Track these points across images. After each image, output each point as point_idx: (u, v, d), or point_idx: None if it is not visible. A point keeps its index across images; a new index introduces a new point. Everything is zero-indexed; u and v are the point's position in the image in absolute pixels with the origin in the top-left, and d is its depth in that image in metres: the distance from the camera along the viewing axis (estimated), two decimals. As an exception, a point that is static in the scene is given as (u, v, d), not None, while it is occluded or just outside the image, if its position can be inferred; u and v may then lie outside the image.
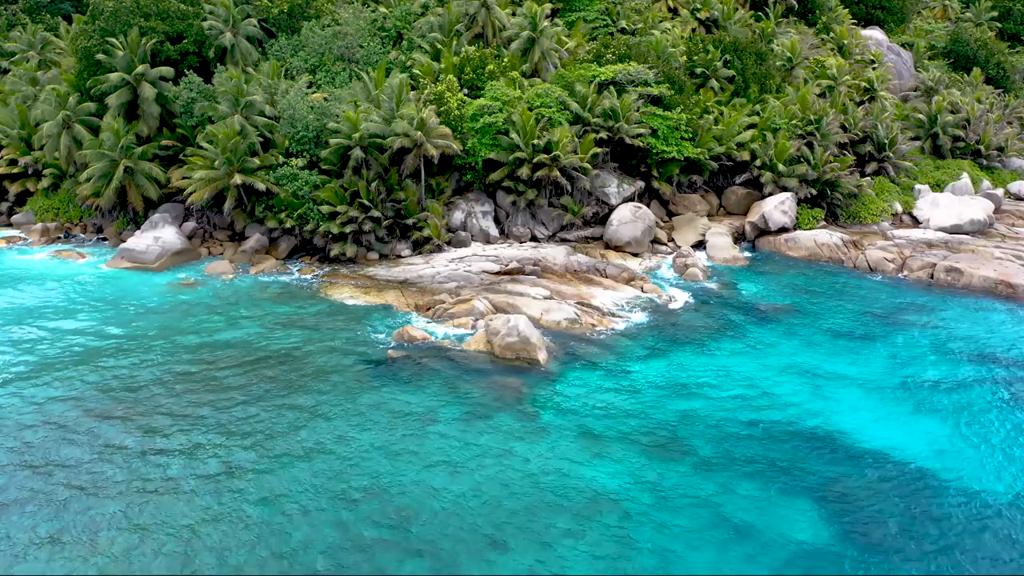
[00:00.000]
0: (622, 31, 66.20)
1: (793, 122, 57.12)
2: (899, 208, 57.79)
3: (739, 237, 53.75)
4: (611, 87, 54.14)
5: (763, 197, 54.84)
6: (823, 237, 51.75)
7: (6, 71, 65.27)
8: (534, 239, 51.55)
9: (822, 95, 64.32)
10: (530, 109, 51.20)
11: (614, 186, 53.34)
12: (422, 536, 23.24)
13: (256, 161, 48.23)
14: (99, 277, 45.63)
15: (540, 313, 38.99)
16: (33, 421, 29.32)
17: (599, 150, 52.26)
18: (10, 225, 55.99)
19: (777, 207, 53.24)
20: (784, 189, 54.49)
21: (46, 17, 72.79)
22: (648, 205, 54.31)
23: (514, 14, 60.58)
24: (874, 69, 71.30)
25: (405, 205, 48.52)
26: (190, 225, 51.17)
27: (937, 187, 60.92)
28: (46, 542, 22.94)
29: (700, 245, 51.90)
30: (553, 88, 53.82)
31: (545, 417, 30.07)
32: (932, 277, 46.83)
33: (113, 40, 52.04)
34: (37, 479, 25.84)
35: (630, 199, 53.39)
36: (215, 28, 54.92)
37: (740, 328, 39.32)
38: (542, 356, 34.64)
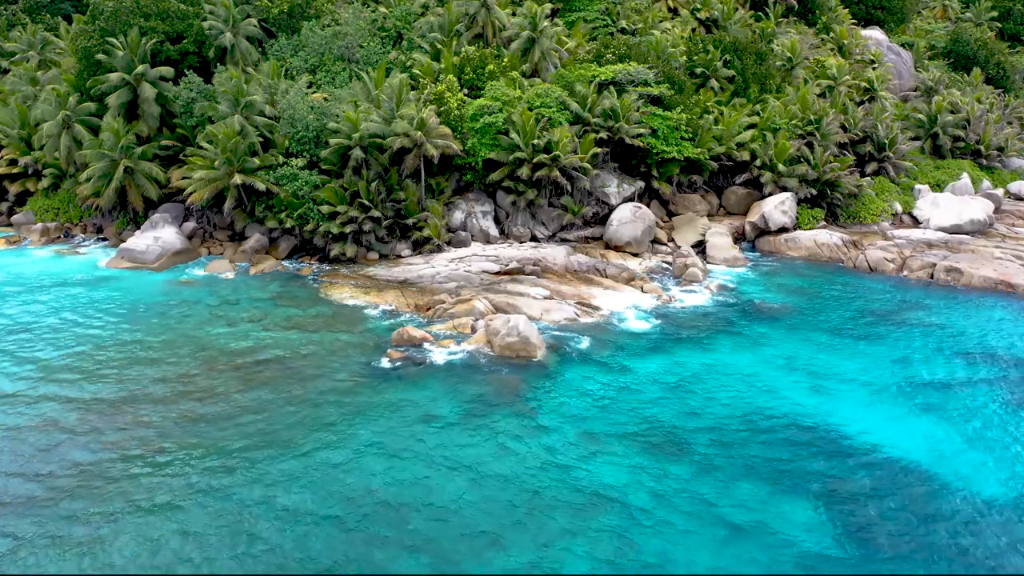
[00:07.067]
0: (622, 31, 66.21)
1: (793, 122, 57.12)
2: (899, 208, 57.78)
3: (739, 237, 53.75)
4: (611, 87, 54.13)
5: (763, 197, 54.85)
6: (823, 237, 51.76)
7: (6, 71, 65.30)
8: (534, 239, 51.54)
9: (822, 95, 64.33)
10: (530, 109, 51.20)
11: (614, 186, 53.33)
12: (421, 534, 23.23)
13: (256, 161, 48.24)
14: (98, 277, 45.64)
15: (540, 313, 38.99)
16: (31, 422, 29.30)
17: (599, 150, 52.25)
18: (10, 225, 56.00)
19: (777, 207, 53.24)
20: (784, 189, 54.49)
21: (46, 17, 72.81)
22: (648, 205, 54.32)
23: (514, 14, 60.58)
24: (874, 69, 71.31)
25: (405, 205, 48.53)
26: (190, 225, 51.19)
27: (937, 187, 60.92)
28: (45, 544, 22.92)
29: (700, 245, 51.88)
30: (553, 88, 53.81)
31: (545, 416, 30.09)
32: (932, 277, 46.85)
33: (113, 40, 52.08)
34: (35, 481, 25.83)
35: (630, 199, 53.39)
36: (215, 28, 54.95)
37: (740, 327, 39.33)
38: (542, 356, 34.65)
